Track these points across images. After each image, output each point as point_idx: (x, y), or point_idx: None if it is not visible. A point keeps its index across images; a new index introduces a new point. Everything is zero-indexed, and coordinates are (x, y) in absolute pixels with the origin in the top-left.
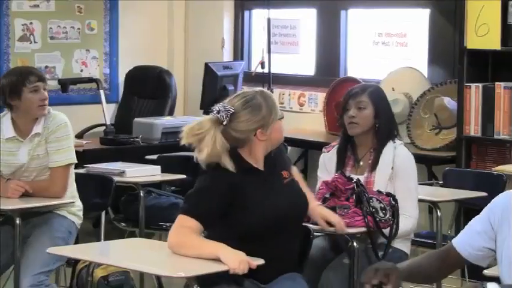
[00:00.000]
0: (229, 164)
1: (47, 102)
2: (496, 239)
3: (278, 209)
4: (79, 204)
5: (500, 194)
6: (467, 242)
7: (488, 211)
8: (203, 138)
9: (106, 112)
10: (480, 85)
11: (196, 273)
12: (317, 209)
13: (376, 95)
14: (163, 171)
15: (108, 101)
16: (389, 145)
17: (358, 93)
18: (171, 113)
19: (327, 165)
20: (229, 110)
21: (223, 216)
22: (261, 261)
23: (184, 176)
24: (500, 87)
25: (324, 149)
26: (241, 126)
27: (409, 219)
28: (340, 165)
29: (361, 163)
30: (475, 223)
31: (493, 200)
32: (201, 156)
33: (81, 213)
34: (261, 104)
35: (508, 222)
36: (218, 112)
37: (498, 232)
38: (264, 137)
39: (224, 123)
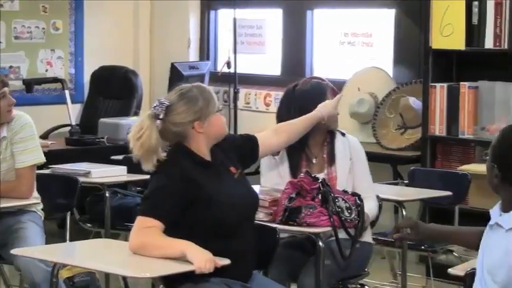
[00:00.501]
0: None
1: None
2: None
3: (238, 202)
4: (41, 202)
5: None
6: None
7: None
8: (142, 137)
9: (71, 112)
10: (445, 85)
11: (162, 273)
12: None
13: None
14: (129, 171)
15: (73, 101)
16: (339, 137)
17: (330, 87)
18: (136, 113)
19: (280, 169)
20: (164, 103)
21: (185, 213)
22: (227, 261)
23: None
24: (464, 87)
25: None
26: (178, 118)
27: (373, 200)
28: (295, 167)
29: (315, 161)
30: None
31: None
32: (137, 151)
33: (43, 212)
34: (197, 95)
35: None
36: (154, 107)
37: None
38: (202, 129)
39: (160, 116)
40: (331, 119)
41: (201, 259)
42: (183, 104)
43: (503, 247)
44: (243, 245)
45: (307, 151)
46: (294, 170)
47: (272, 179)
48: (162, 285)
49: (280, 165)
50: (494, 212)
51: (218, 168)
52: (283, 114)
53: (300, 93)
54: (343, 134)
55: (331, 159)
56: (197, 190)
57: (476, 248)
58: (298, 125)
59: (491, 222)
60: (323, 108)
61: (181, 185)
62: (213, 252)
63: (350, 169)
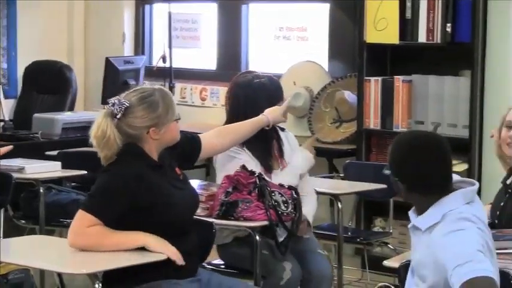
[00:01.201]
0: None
1: None
2: None
3: (187, 202)
4: None
5: None
6: None
7: None
8: (106, 137)
9: (4, 108)
10: (379, 79)
11: (98, 269)
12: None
13: None
14: (63, 167)
15: (6, 96)
16: (280, 133)
17: None
18: (71, 108)
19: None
20: (124, 104)
21: (139, 215)
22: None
23: (85, 172)
24: (398, 80)
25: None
26: (135, 122)
27: (313, 194)
28: (267, 166)
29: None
30: None
31: None
32: (104, 153)
33: None
34: (159, 102)
35: None
36: (113, 105)
37: None
38: (157, 136)
39: (118, 116)
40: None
41: (161, 246)
42: (143, 108)
43: (424, 247)
44: (193, 242)
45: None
46: (269, 169)
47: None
48: (98, 282)
49: (251, 165)
50: (412, 214)
51: (166, 169)
52: (244, 108)
53: (260, 86)
54: (282, 129)
55: (282, 155)
56: (150, 192)
57: None
58: (243, 128)
59: (409, 225)
60: (270, 114)
61: (133, 186)
62: None
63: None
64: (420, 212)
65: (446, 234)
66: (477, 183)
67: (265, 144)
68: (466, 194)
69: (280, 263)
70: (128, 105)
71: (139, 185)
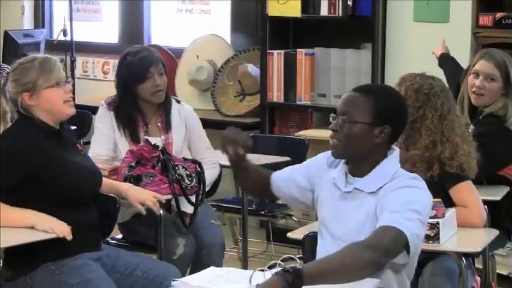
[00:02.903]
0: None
1: None
2: (314, 192)
3: (84, 173)
4: None
5: (322, 153)
6: (282, 184)
7: (308, 166)
8: None
9: None
10: (282, 52)
11: None
12: (131, 190)
13: None
14: None
15: None
16: (174, 104)
17: (159, 60)
18: None
19: (116, 137)
20: (4, 70)
21: (33, 182)
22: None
23: None
24: (301, 53)
25: (105, 104)
26: (9, 86)
27: (216, 167)
28: (133, 129)
29: (149, 126)
30: (296, 173)
31: (315, 156)
32: None
33: None
34: (32, 67)
35: (320, 180)
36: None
37: (315, 187)
38: (32, 102)
39: (1, 81)
40: None
41: (52, 224)
42: (15, 74)
43: (366, 210)
44: (93, 216)
45: (142, 116)
46: (134, 137)
47: (104, 124)
48: None
49: (117, 132)
50: (339, 180)
51: (66, 140)
52: (117, 77)
53: (128, 63)
54: (178, 102)
55: (167, 126)
56: (44, 160)
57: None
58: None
59: (346, 189)
60: (135, 192)
61: (24, 154)
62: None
63: (185, 136)
64: (362, 170)
65: (400, 188)
66: (397, 148)
67: (132, 113)
68: (399, 157)
69: (175, 239)
70: (8, 70)
71: (32, 152)
